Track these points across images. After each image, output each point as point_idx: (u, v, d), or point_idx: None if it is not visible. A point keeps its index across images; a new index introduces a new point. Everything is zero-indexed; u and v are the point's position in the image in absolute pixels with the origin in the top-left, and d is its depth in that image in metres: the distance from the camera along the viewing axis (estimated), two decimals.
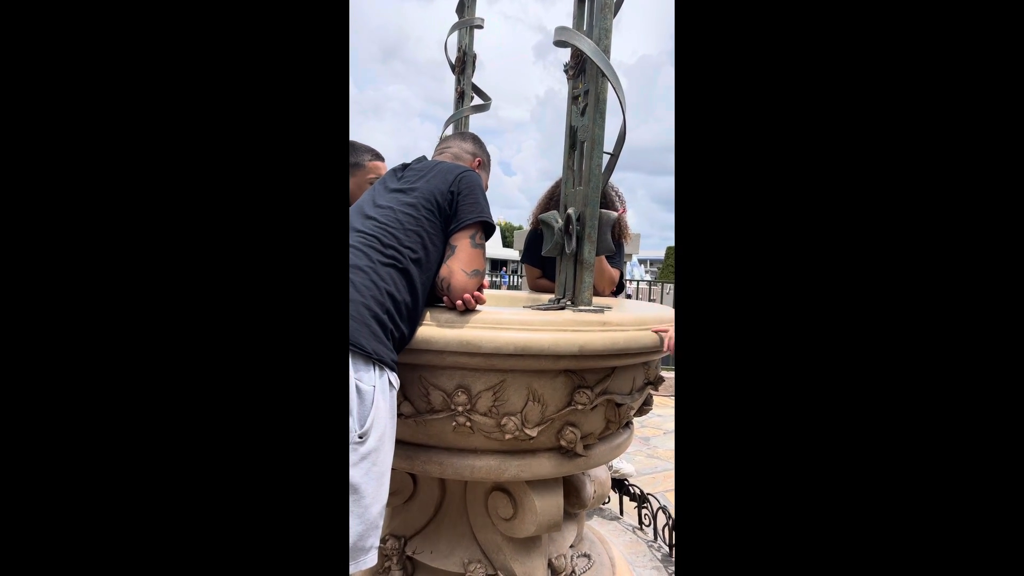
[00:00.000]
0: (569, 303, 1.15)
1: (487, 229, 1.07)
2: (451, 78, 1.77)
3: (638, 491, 1.90)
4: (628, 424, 1.34)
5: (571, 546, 1.39)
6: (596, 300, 1.18)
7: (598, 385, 1.06)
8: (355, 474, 0.82)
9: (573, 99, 1.17)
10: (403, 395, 1.04)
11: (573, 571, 1.34)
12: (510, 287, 8.56)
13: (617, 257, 1.84)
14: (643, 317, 1.10)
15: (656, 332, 1.08)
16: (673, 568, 1.58)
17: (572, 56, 1.18)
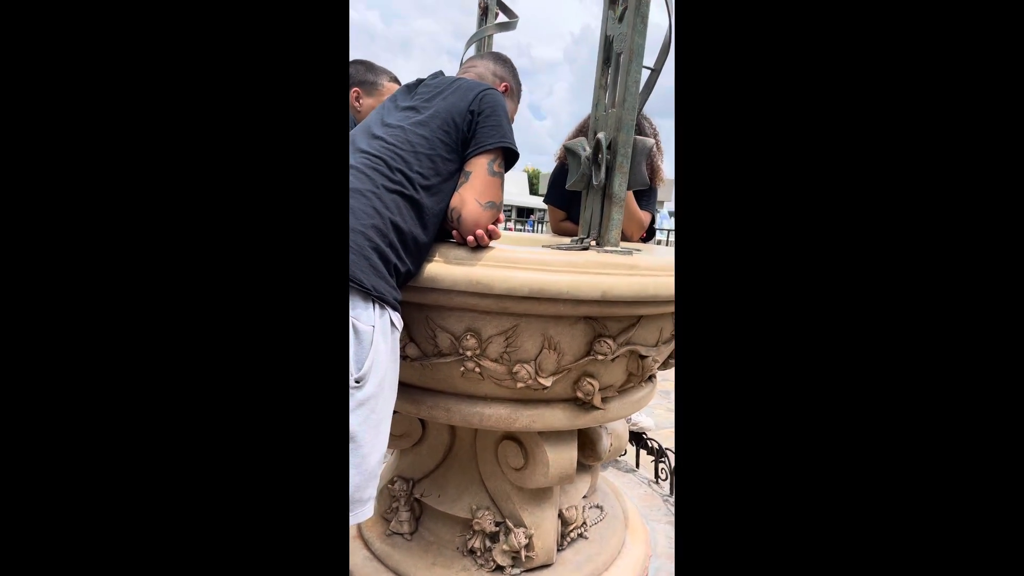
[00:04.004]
0: (594, 243, 1.03)
1: (509, 157, 0.93)
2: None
3: (656, 445, 1.85)
4: (651, 377, 1.25)
5: (584, 497, 1.35)
6: (623, 245, 1.06)
7: (621, 335, 0.96)
8: (352, 422, 0.75)
9: (610, 4, 1.00)
10: (409, 336, 0.96)
11: (584, 522, 1.30)
12: None
13: (649, 198, 1.67)
14: None
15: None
16: None
17: None
